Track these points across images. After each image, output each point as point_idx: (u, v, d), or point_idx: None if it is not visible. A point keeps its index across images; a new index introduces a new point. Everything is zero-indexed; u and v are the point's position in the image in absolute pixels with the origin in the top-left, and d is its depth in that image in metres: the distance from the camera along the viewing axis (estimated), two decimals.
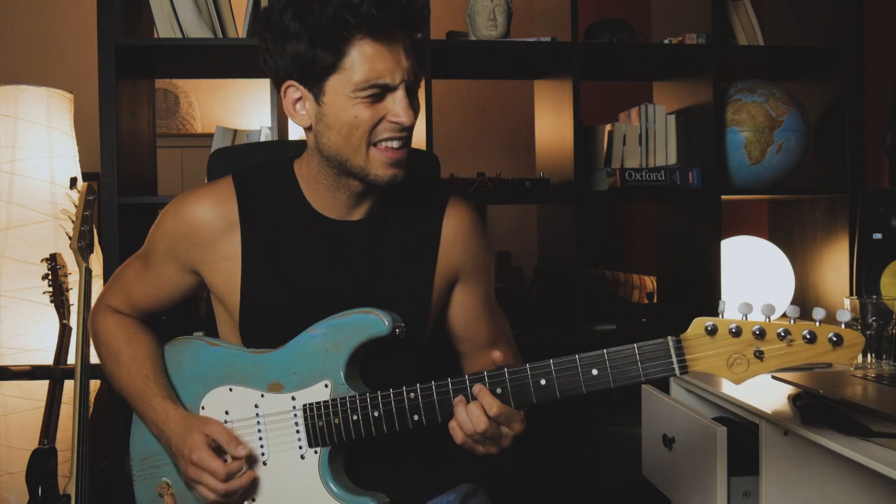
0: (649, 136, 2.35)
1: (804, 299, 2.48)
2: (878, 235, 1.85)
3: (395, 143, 1.08)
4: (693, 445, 1.48)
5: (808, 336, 0.90)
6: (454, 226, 1.23)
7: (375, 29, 1.03)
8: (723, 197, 2.25)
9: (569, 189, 2.24)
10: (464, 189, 2.16)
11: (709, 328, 0.95)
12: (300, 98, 1.10)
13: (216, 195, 1.17)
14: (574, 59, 2.20)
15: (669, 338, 0.97)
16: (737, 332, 0.94)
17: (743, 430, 1.43)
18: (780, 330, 0.92)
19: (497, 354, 1.04)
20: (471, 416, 1.01)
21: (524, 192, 2.22)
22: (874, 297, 1.81)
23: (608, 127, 2.37)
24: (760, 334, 0.93)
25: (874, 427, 1.14)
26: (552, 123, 2.40)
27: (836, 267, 2.34)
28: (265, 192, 1.18)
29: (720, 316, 0.96)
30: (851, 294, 2.05)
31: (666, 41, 2.30)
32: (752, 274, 2.32)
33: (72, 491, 1.71)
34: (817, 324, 0.91)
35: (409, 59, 1.07)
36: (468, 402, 1.02)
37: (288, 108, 1.11)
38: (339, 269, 1.16)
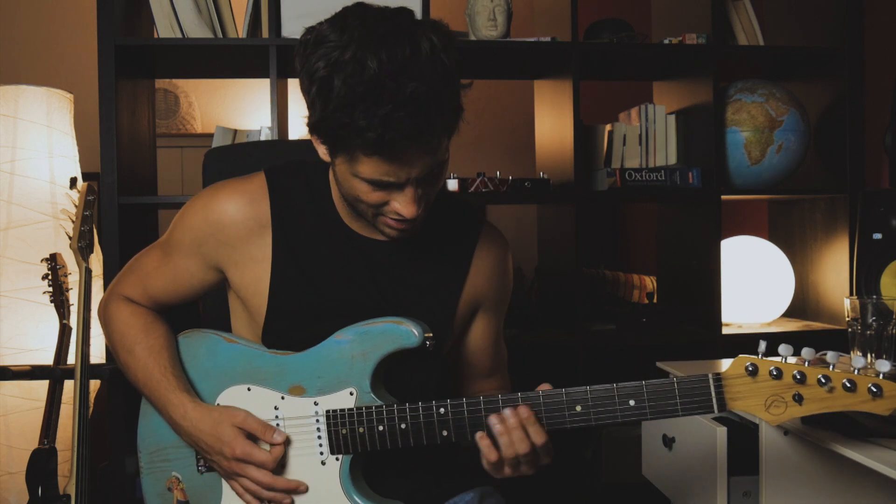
0: (649, 136, 2.35)
1: (804, 299, 2.48)
2: (878, 235, 1.85)
3: (404, 224, 1.05)
4: (693, 445, 1.48)
5: (849, 385, 0.91)
6: (485, 260, 1.20)
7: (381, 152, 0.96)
8: (723, 197, 2.25)
9: (569, 189, 2.24)
10: (463, 189, 2.16)
11: (750, 369, 0.96)
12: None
13: (248, 193, 1.14)
14: (574, 59, 2.20)
15: (710, 375, 0.97)
16: (777, 375, 0.95)
17: (743, 430, 1.43)
18: (820, 376, 0.93)
19: (545, 386, 1.02)
20: (512, 437, 0.99)
21: (524, 192, 2.22)
22: (874, 297, 1.81)
23: (608, 127, 2.37)
24: (801, 379, 0.94)
25: (874, 427, 1.14)
26: (552, 123, 2.40)
27: (836, 267, 2.34)
28: (298, 195, 1.15)
29: (760, 356, 0.96)
30: (851, 294, 2.05)
31: (666, 41, 2.30)
32: (752, 274, 2.32)
33: (72, 491, 1.71)
34: (856, 373, 0.92)
35: (427, 157, 0.98)
36: (503, 421, 1.00)
37: (313, 138, 1.06)
38: (367, 283, 1.14)
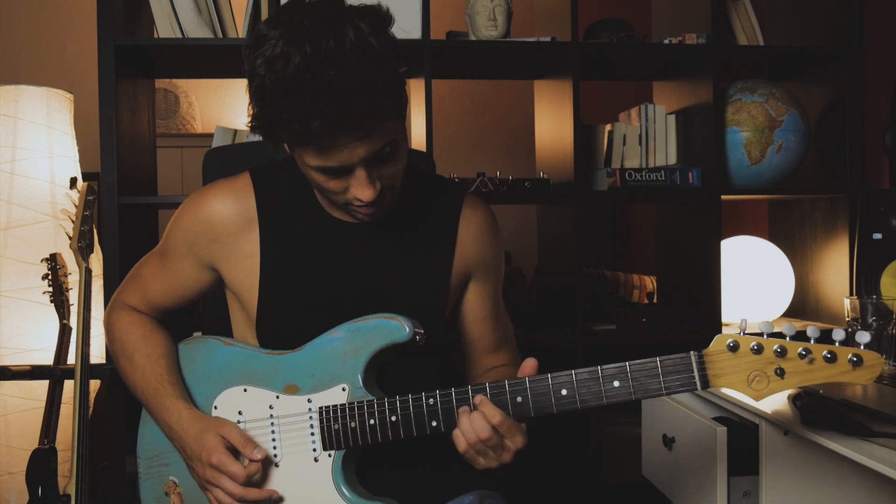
0: (649, 136, 2.35)
1: (804, 299, 2.48)
2: (878, 235, 1.85)
3: (369, 207, 1.06)
4: (693, 445, 1.48)
5: (829, 356, 0.92)
6: (470, 225, 1.22)
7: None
8: (723, 197, 2.25)
9: (569, 189, 2.24)
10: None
11: (731, 345, 0.96)
12: None
13: (234, 191, 1.16)
14: (574, 59, 2.20)
15: (692, 353, 0.98)
16: (758, 350, 0.95)
17: (743, 430, 1.43)
18: (801, 349, 0.93)
19: (530, 362, 1.04)
20: (473, 425, 1.01)
21: (524, 192, 2.23)
22: (874, 297, 1.81)
23: (608, 127, 2.37)
24: (781, 353, 0.94)
25: (874, 427, 1.14)
26: (552, 123, 2.40)
27: (836, 267, 2.34)
28: (283, 190, 1.17)
29: (741, 333, 0.97)
30: (851, 294, 2.05)
31: (666, 41, 2.30)
32: (752, 274, 2.32)
33: (72, 491, 1.71)
34: (837, 344, 0.93)
35: (366, 141, 0.98)
36: (471, 411, 1.02)
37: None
38: (356, 270, 1.16)
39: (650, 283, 2.86)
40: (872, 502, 1.17)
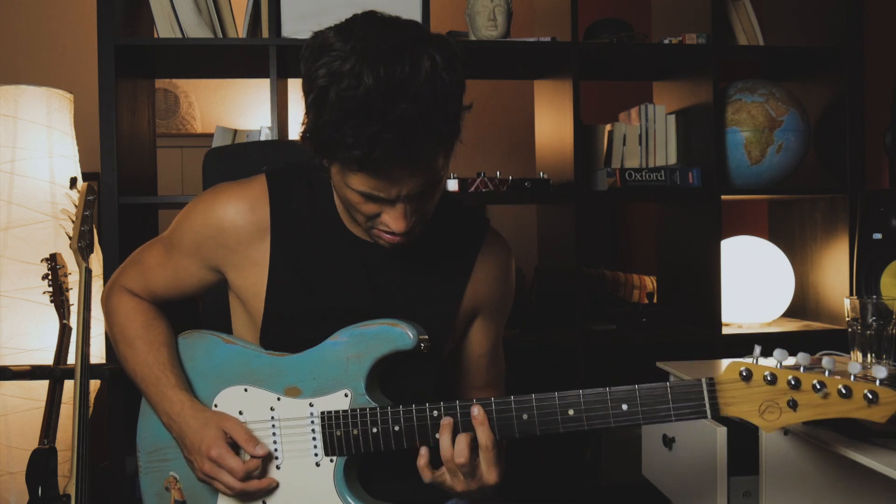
0: (649, 136, 2.35)
1: (804, 299, 2.48)
2: (878, 235, 1.85)
3: (396, 237, 1.04)
4: (693, 445, 1.48)
5: (844, 391, 0.90)
6: (488, 263, 1.20)
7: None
8: (723, 197, 2.25)
9: (569, 189, 2.24)
10: (463, 189, 2.16)
11: (744, 374, 0.95)
12: None
13: (249, 198, 1.14)
14: (574, 59, 2.20)
15: (703, 380, 0.96)
16: (772, 381, 0.94)
17: (743, 430, 1.43)
18: (815, 382, 0.91)
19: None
20: (457, 447, 1.01)
21: (524, 192, 2.22)
22: (874, 297, 1.81)
23: (608, 127, 2.37)
24: (795, 385, 0.92)
25: (875, 428, 1.14)
26: (552, 123, 2.40)
27: (836, 267, 2.34)
28: (299, 198, 1.15)
29: (755, 361, 0.95)
30: (851, 294, 2.05)
31: (666, 41, 2.30)
32: (752, 274, 2.32)
33: (72, 491, 1.71)
34: (852, 378, 0.91)
35: (417, 176, 0.97)
36: (458, 429, 1.02)
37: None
38: (366, 287, 1.14)
39: (650, 283, 2.86)
40: (872, 503, 1.17)
